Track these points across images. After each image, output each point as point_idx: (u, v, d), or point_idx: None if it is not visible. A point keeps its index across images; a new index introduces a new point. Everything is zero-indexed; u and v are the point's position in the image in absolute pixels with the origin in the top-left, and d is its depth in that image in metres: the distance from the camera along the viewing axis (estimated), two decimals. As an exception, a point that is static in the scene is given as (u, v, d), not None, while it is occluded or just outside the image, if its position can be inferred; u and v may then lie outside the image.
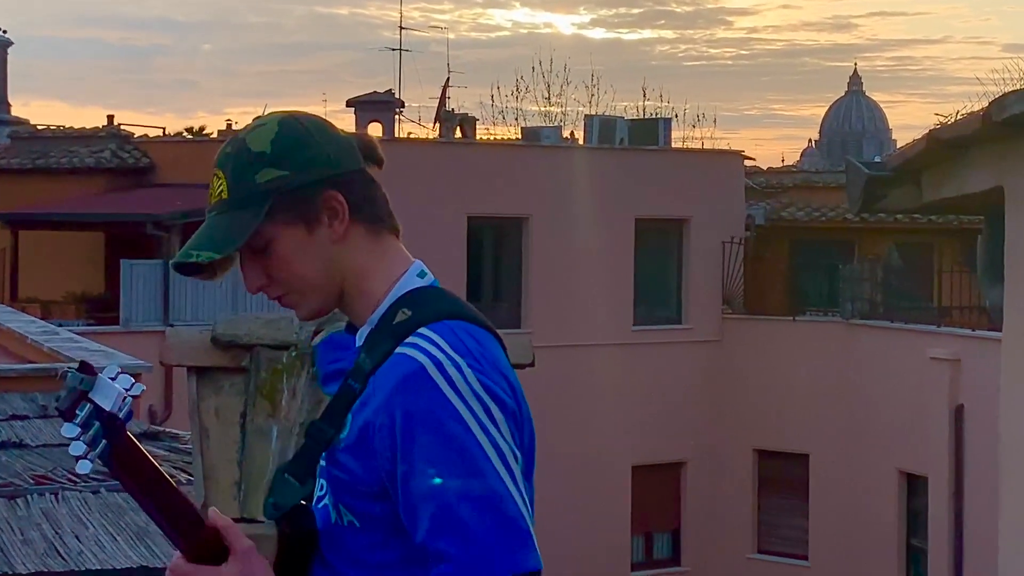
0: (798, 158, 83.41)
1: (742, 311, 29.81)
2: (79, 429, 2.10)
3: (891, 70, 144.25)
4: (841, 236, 31.02)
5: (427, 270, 2.32)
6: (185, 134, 40.62)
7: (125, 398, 2.10)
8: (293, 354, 5.26)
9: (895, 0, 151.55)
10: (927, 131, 4.98)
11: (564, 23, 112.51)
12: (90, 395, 2.10)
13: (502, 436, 2.15)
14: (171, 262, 2.33)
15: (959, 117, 5.07)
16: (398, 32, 33.87)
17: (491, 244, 28.58)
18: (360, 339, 2.26)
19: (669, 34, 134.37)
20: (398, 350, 2.18)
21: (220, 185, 2.27)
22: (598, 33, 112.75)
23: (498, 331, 2.28)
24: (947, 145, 4.80)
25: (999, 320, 5.20)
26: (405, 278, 2.29)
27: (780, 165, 48.54)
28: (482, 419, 2.14)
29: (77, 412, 2.10)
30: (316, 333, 5.61)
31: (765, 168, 38.86)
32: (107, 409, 2.09)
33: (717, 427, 28.77)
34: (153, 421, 21.76)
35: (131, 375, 2.13)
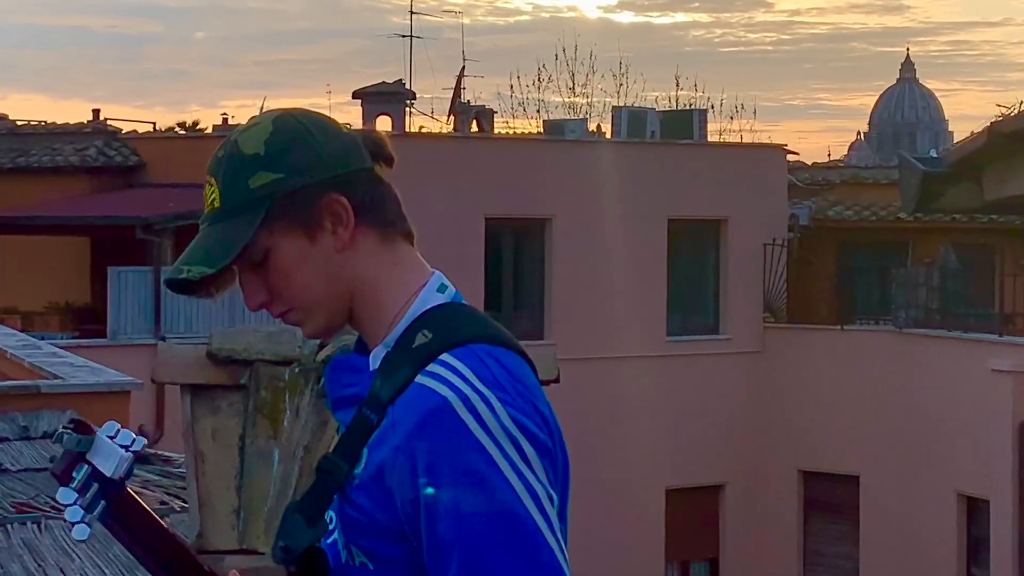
0: (846, 152, 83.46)
1: (785, 320, 29.78)
2: (75, 494, 2.11)
3: (946, 55, 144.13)
4: (893, 237, 30.97)
5: (447, 282, 2.28)
6: (177, 129, 40.85)
7: (127, 460, 2.12)
8: (296, 370, 5.27)
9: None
10: (988, 124, 4.95)
11: (589, 6, 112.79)
12: (87, 456, 2.11)
13: (536, 477, 2.12)
14: (163, 279, 2.30)
15: (1023, 108, 5.05)
16: (408, 17, 33.78)
17: (511, 248, 28.59)
18: (374, 361, 2.22)
19: (704, 17, 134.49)
20: (419, 379, 2.14)
21: (212, 193, 2.24)
22: (626, 17, 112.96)
23: (527, 352, 2.24)
24: (1010, 139, 4.78)
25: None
26: (424, 292, 2.25)
27: (826, 160, 48.53)
28: (514, 460, 2.11)
29: (74, 475, 2.11)
30: (321, 347, 5.61)
31: (810, 163, 38.88)
32: (107, 474, 2.11)
33: (758, 446, 28.73)
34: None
35: (133, 434, 2.14)
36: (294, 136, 2.23)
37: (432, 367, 2.14)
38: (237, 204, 2.21)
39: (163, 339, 24.80)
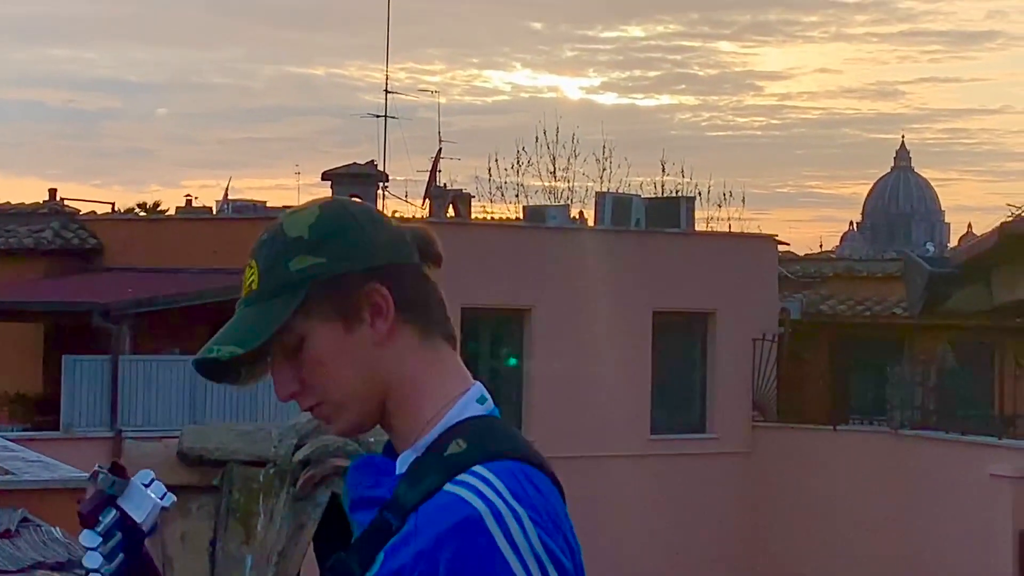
0: (838, 243, 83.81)
1: (775, 419, 29.78)
2: (100, 539, 2.12)
3: (942, 143, 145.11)
4: (889, 333, 31.05)
5: (487, 395, 2.28)
6: (137, 210, 40.77)
7: (157, 511, 2.14)
8: (271, 471, 5.26)
9: (946, 65, 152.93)
10: (999, 224, 5.01)
11: (571, 87, 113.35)
12: (118, 501, 2.13)
13: None
14: (192, 360, 2.30)
15: (1036, 207, 5.11)
16: (382, 96, 33.90)
17: (488, 339, 28.62)
18: (402, 465, 2.22)
19: (691, 100, 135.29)
20: (448, 487, 2.14)
21: (252, 275, 2.26)
22: (609, 98, 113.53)
23: (556, 474, 2.26)
24: (1022, 240, 4.83)
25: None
26: (463, 400, 2.25)
27: (818, 251, 48.70)
28: None
29: (100, 518, 2.12)
30: (299, 447, 5.61)
31: (801, 254, 38.99)
32: (138, 520, 2.12)
33: (749, 551, 28.65)
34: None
35: (163, 485, 2.17)
36: (340, 223, 2.26)
37: (464, 476, 2.15)
38: (275, 286, 2.23)
39: (120, 432, 24.71)
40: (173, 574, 5.28)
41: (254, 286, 2.25)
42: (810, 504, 28.14)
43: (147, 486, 2.18)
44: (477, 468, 2.15)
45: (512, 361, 28.36)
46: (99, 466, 2.20)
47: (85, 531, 2.14)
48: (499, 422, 2.26)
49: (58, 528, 8.74)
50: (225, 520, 5.37)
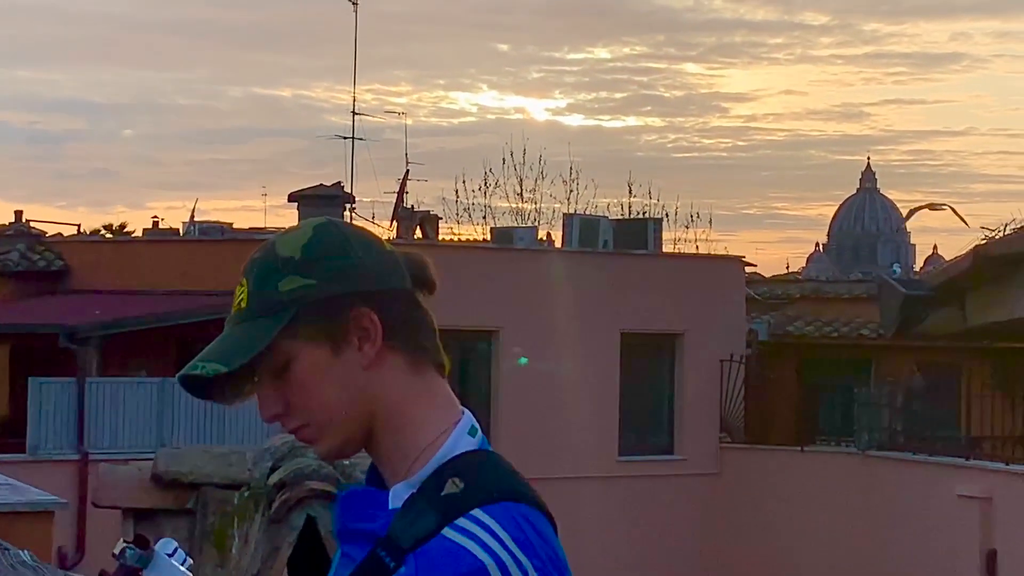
0: (804, 264, 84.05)
1: (743, 440, 29.81)
2: None
3: (907, 165, 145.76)
4: (856, 355, 31.14)
5: (477, 425, 2.26)
6: (103, 232, 40.69)
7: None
8: (246, 495, 5.24)
9: (911, 87, 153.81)
10: (973, 247, 5.04)
11: (537, 108, 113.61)
12: (144, 572, 2.13)
13: None
14: (177, 376, 2.25)
15: (1009, 231, 5.13)
16: (348, 117, 33.87)
17: (456, 360, 28.18)
18: (395, 499, 2.19)
19: (657, 122, 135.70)
20: (449, 534, 2.11)
21: (242, 293, 2.24)
22: (576, 120, 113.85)
23: (547, 507, 2.24)
24: (996, 263, 4.85)
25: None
26: (456, 433, 2.22)
27: (784, 272, 48.80)
28: None
29: None
30: (273, 470, 5.60)
31: (768, 276, 39.08)
32: None
33: (715, 573, 28.65)
34: (63, 565, 21.55)
35: (184, 551, 2.19)
36: (332, 245, 2.24)
37: (463, 522, 2.12)
38: (264, 306, 2.21)
39: (87, 455, 24.61)
40: (147, 598, 5.27)
41: (243, 304, 2.23)
42: (778, 525, 28.17)
43: (171, 555, 2.18)
44: (477, 513, 2.13)
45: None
46: (124, 541, 2.21)
47: None
48: (493, 457, 2.23)
49: (27, 551, 8.69)
50: (199, 543, 5.36)
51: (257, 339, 2.19)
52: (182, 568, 2.20)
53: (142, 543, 2.19)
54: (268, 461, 5.28)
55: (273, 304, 2.21)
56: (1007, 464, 24.10)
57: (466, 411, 2.27)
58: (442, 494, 2.16)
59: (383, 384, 2.22)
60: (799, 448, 28.92)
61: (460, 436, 2.23)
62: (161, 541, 2.21)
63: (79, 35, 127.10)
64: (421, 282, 2.29)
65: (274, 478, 5.28)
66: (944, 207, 31.07)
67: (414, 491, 2.18)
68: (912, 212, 33.73)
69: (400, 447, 2.22)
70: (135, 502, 5.36)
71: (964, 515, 23.75)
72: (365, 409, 2.21)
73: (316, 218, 2.31)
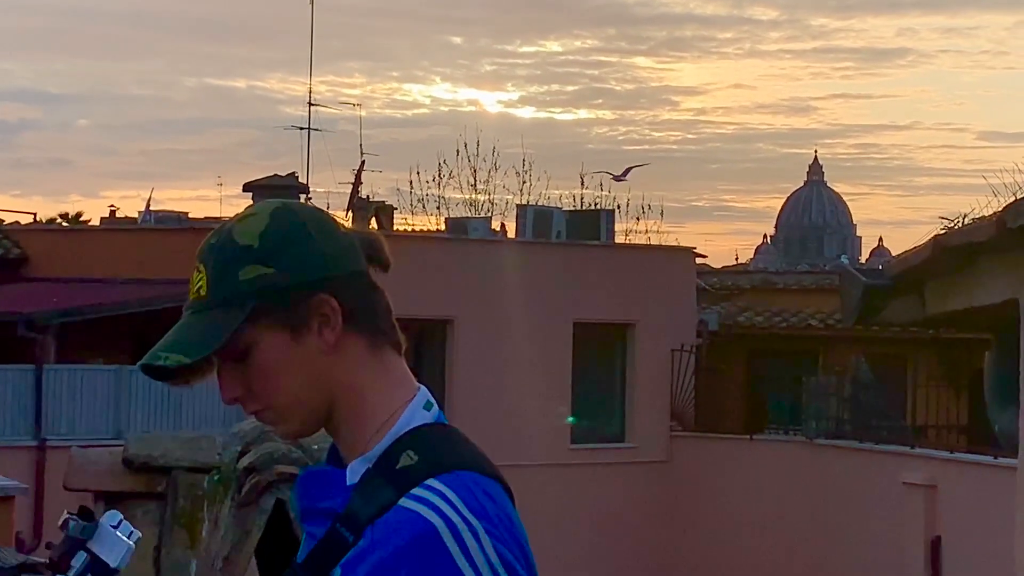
0: (752, 255, 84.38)
1: (693, 428, 29.91)
2: None
3: (854, 158, 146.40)
4: (804, 345, 31.29)
5: (432, 400, 2.27)
6: (60, 221, 40.47)
7: (130, 552, 2.14)
8: (215, 478, 5.26)
9: (858, 82, 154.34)
10: (932, 237, 5.09)
11: (490, 100, 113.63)
12: (88, 544, 2.13)
13: None
14: (139, 364, 2.25)
15: (967, 222, 5.17)
16: (302, 108, 33.80)
17: (411, 349, 28.40)
18: (352, 476, 2.20)
19: (607, 115, 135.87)
20: (403, 502, 2.13)
21: (200, 280, 2.23)
22: (527, 112, 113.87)
23: (506, 480, 2.25)
24: (955, 253, 4.91)
25: (1009, 447, 5.29)
26: (410, 409, 2.24)
27: (733, 263, 49.02)
28: None
29: (72, 564, 2.12)
30: (243, 454, 5.61)
31: (717, 267, 39.22)
32: (111, 565, 2.12)
33: (666, 559, 28.75)
34: (20, 550, 21.45)
35: (130, 524, 2.18)
36: (290, 232, 2.24)
37: (418, 491, 2.14)
38: (224, 295, 2.21)
39: (44, 441, 24.52)
40: (118, 580, 5.27)
41: (202, 292, 2.23)
42: (727, 511, 28.28)
43: (115, 527, 2.17)
44: (431, 482, 2.14)
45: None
46: (68, 513, 2.20)
47: None
48: (447, 430, 2.25)
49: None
50: (170, 526, 5.38)
51: (219, 331, 2.19)
52: (127, 540, 2.19)
53: (86, 515, 2.19)
54: (237, 445, 5.30)
55: (234, 294, 2.20)
56: (951, 452, 24.26)
57: (422, 387, 2.28)
58: (397, 467, 2.17)
59: (342, 367, 2.22)
60: (748, 436, 29.05)
61: (415, 411, 2.24)
62: (107, 513, 2.21)
63: (33, 25, 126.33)
64: (376, 261, 2.30)
65: (244, 462, 5.31)
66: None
67: (370, 466, 2.20)
68: (627, 171, 34.34)
69: (358, 426, 2.23)
70: (106, 485, 5.37)
71: (909, 502, 23.89)
72: (325, 392, 2.22)
73: (271, 201, 2.30)
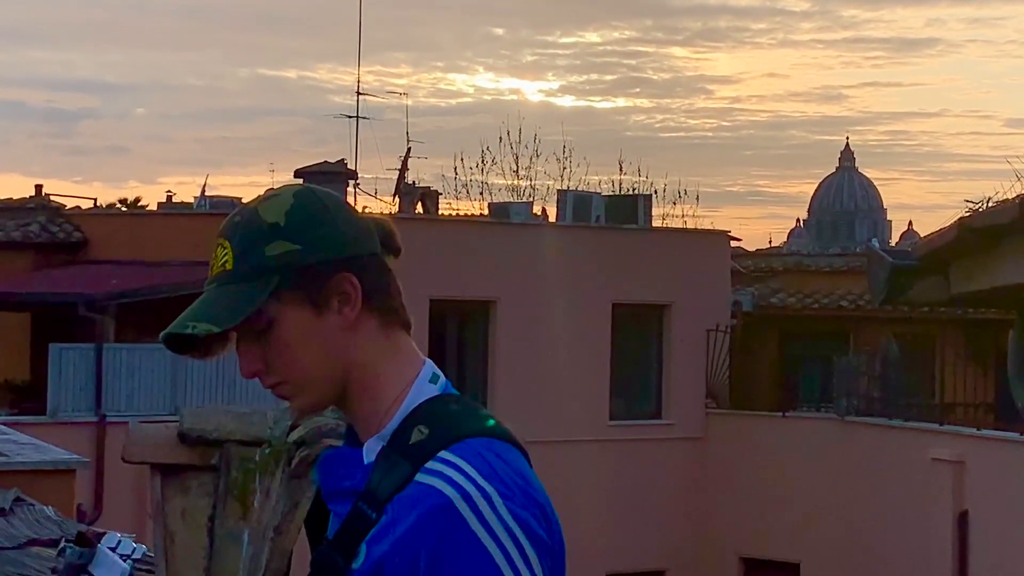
0: (785, 239, 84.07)
1: (728, 406, 29.88)
2: None
3: (884, 145, 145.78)
4: (835, 326, 31.21)
5: (439, 372, 2.30)
6: (119, 206, 40.65)
7: (128, 572, 2.15)
8: (267, 451, 5.29)
9: (888, 70, 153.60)
10: (957, 219, 5.08)
11: (531, 89, 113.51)
12: (89, 568, 2.14)
13: (533, 574, 2.15)
14: (162, 334, 2.25)
15: (991, 204, 5.15)
16: (351, 97, 34.17)
17: (455, 329, 28.62)
18: (368, 454, 2.23)
19: (645, 103, 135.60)
20: (420, 478, 2.16)
21: (225, 255, 2.25)
22: (567, 101, 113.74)
23: (521, 442, 2.27)
24: (979, 234, 4.90)
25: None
26: (417, 383, 2.26)
27: (767, 246, 48.84)
28: (516, 561, 2.13)
29: None
30: (292, 428, 5.64)
31: (751, 250, 39.09)
32: None
33: (700, 532, 28.76)
34: (82, 520, 21.57)
35: (131, 541, 2.18)
36: (315, 212, 2.26)
37: (431, 464, 2.16)
38: (250, 270, 2.22)
39: (104, 417, 24.65)
40: (174, 548, 5.31)
41: (228, 266, 2.24)
42: (759, 487, 28.24)
43: (114, 548, 2.18)
44: (443, 454, 2.17)
45: None
46: (64, 541, 2.22)
47: None
48: (454, 399, 2.27)
49: (50, 507, 8.74)
50: (223, 498, 5.40)
51: (247, 302, 2.20)
52: (124, 562, 2.20)
53: (83, 542, 2.20)
54: (287, 420, 5.32)
55: (260, 268, 2.22)
56: (978, 429, 24.17)
57: (428, 360, 2.30)
58: (410, 443, 2.19)
59: (358, 345, 2.25)
60: (781, 414, 29.00)
61: (422, 385, 2.27)
62: (106, 536, 2.23)
63: (92, 18, 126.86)
64: (389, 246, 2.33)
65: (294, 436, 5.32)
66: None
67: (384, 444, 2.22)
68: None
69: (372, 405, 2.25)
70: (162, 458, 5.40)
71: (937, 478, 23.82)
72: (340, 369, 2.24)
73: (293, 185, 2.33)
